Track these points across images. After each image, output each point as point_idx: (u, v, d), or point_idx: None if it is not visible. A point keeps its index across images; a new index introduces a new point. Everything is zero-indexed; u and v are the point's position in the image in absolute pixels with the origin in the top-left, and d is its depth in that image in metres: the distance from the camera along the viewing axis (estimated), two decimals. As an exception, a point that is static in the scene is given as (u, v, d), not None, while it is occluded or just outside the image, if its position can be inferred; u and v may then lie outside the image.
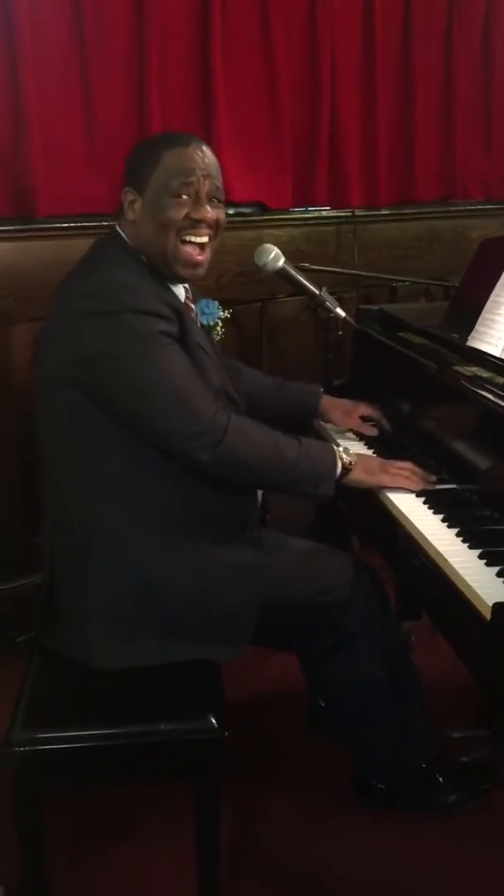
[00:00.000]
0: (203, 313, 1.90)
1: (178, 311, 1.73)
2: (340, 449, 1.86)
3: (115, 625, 1.70)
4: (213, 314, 1.92)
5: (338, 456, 1.83)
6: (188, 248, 1.75)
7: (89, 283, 1.68)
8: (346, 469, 1.82)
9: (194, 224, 1.74)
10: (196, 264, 1.77)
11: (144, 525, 1.72)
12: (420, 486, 1.84)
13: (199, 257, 1.77)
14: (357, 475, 1.84)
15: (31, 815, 1.61)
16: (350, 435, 2.19)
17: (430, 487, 1.84)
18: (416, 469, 1.87)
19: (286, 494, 1.86)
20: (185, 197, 1.72)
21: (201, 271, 1.79)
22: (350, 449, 1.89)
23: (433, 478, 1.87)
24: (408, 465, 1.89)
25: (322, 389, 2.23)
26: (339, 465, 1.82)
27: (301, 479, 1.78)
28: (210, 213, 1.75)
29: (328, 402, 2.19)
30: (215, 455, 1.67)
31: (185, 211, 1.73)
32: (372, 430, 2.16)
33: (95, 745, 1.59)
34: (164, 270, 1.77)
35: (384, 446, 2.10)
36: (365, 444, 2.14)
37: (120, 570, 1.70)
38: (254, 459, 1.73)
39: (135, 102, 2.90)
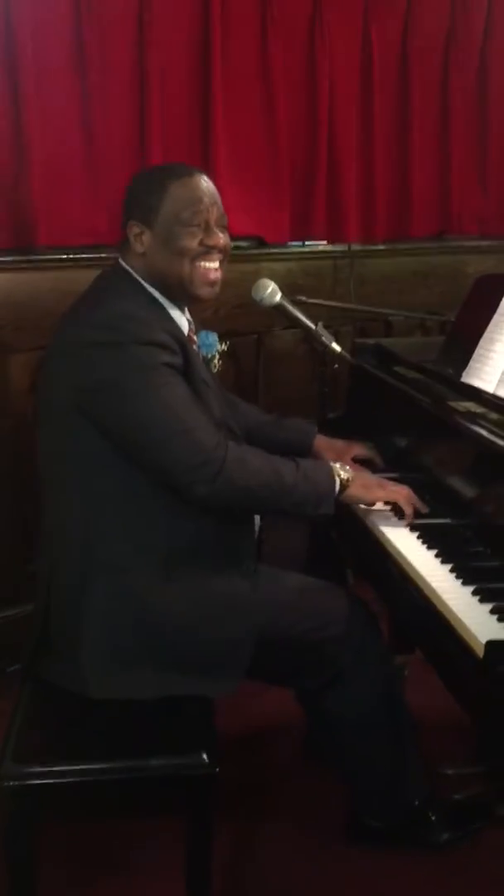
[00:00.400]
0: (203, 344, 1.93)
1: (182, 344, 1.75)
2: (336, 466, 1.87)
3: (112, 654, 1.70)
4: (213, 346, 1.95)
5: (335, 473, 1.84)
6: (204, 267, 1.79)
7: (96, 314, 1.71)
8: (344, 486, 1.84)
9: (208, 250, 1.78)
10: (213, 282, 1.81)
11: (142, 555, 1.72)
12: (412, 507, 1.86)
13: (215, 275, 1.81)
14: (354, 491, 1.85)
15: (20, 849, 1.60)
16: None
17: (422, 510, 1.87)
18: (411, 493, 1.89)
19: (287, 517, 1.87)
20: (195, 226, 1.76)
21: (217, 289, 1.83)
22: (347, 467, 1.89)
23: (426, 507, 1.88)
24: (404, 487, 1.90)
25: (316, 429, 2.22)
26: (338, 482, 1.83)
27: (302, 501, 1.79)
28: (221, 238, 1.80)
29: (321, 442, 2.18)
30: (214, 488, 1.68)
31: (198, 238, 1.77)
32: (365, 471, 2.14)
33: (86, 780, 1.58)
34: (180, 295, 1.81)
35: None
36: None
37: (117, 599, 1.70)
38: (254, 486, 1.74)
39: (135, 136, 2.94)
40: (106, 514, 1.72)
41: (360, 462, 2.15)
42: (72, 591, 1.73)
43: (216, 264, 1.80)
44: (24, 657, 1.82)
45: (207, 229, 1.77)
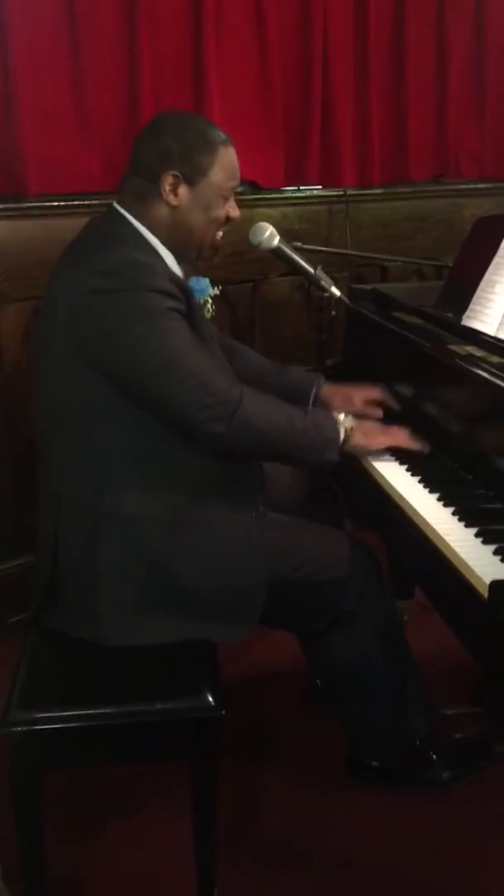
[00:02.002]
0: (195, 290, 1.90)
1: (186, 291, 1.74)
2: (341, 416, 1.90)
3: (126, 602, 1.71)
4: (205, 290, 1.93)
5: (339, 423, 1.88)
6: (220, 237, 1.85)
7: (100, 260, 1.67)
8: (348, 435, 1.87)
9: (226, 223, 1.84)
10: (219, 247, 1.86)
11: (152, 501, 1.72)
12: (418, 447, 1.91)
13: (221, 242, 1.86)
14: (358, 440, 1.90)
15: (28, 795, 1.61)
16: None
17: (426, 450, 1.91)
18: (410, 434, 1.94)
19: (292, 463, 1.92)
20: (230, 199, 1.81)
21: None
22: (350, 416, 1.92)
23: (427, 447, 1.92)
24: (403, 429, 1.95)
25: (322, 378, 2.19)
26: (342, 431, 1.86)
27: (309, 447, 1.82)
28: (239, 213, 1.85)
29: (328, 390, 2.15)
30: (230, 426, 1.69)
31: (227, 210, 1.82)
32: (377, 412, 2.11)
33: (93, 725, 1.59)
34: (189, 254, 1.83)
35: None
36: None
37: (128, 547, 1.70)
38: (267, 430, 1.75)
39: (126, 80, 2.88)
40: (113, 463, 1.71)
41: (374, 404, 2.14)
42: (82, 541, 1.72)
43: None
44: (31, 607, 1.82)
45: (231, 200, 1.82)
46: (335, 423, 1.87)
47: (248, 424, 1.71)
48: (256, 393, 1.78)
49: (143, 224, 1.76)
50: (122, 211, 1.77)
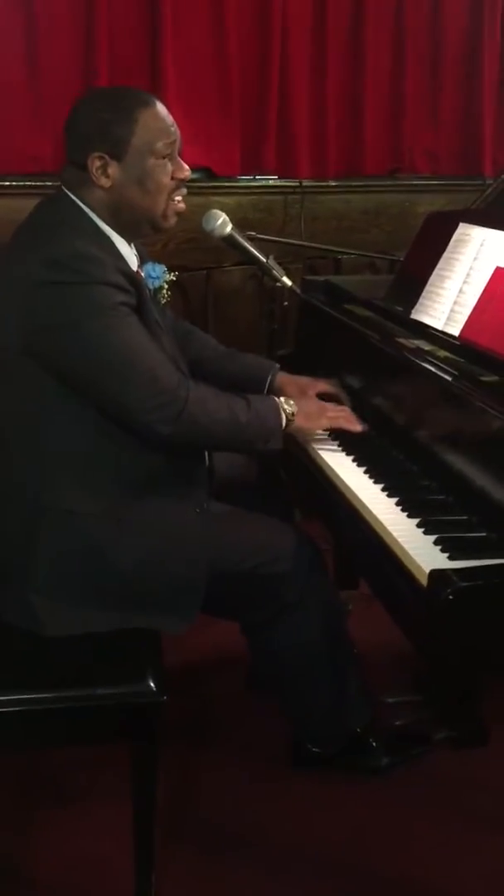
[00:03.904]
0: (149, 277, 1.88)
1: (135, 282, 1.71)
2: (281, 400, 1.90)
3: (64, 595, 1.69)
4: (160, 277, 1.91)
5: (281, 409, 1.87)
6: (176, 202, 1.78)
7: (48, 250, 1.63)
8: (289, 419, 1.88)
9: (180, 184, 1.77)
10: (181, 211, 1.80)
11: (92, 493, 1.71)
12: (358, 428, 1.95)
13: (182, 206, 1.80)
14: (300, 422, 1.90)
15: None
16: None
17: (365, 428, 1.95)
18: (352, 414, 1.97)
19: (238, 452, 1.94)
20: (168, 158, 1.73)
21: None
22: (291, 400, 1.92)
23: (365, 425, 1.96)
24: (344, 408, 1.98)
25: (277, 366, 2.19)
26: (284, 416, 1.87)
27: (253, 438, 1.83)
28: (189, 170, 1.77)
29: (284, 378, 2.15)
30: (176, 427, 1.68)
31: (171, 172, 1.74)
32: None
33: (33, 710, 1.58)
34: (143, 229, 1.78)
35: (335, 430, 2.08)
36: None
37: (68, 541, 1.69)
38: (212, 426, 1.75)
39: (81, 62, 2.85)
40: (55, 458, 1.69)
41: (326, 399, 2.15)
42: (21, 535, 1.71)
43: (182, 195, 1.79)
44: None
45: (175, 160, 1.75)
46: (277, 409, 1.87)
47: (194, 422, 1.71)
48: (201, 387, 1.77)
49: (88, 208, 1.72)
50: (71, 195, 1.73)
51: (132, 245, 1.82)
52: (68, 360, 1.64)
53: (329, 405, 2.00)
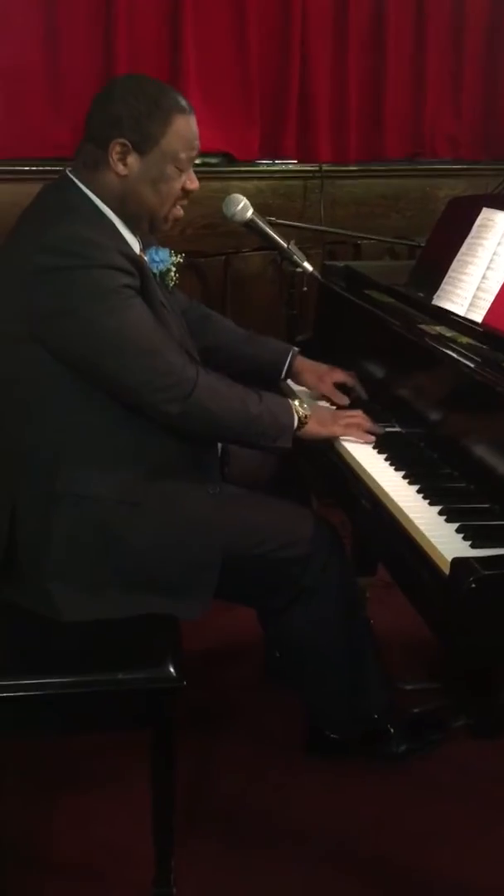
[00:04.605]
0: (153, 261, 1.88)
1: (138, 264, 1.71)
2: (296, 402, 1.88)
3: (80, 579, 1.70)
4: (165, 261, 1.90)
5: (294, 410, 1.85)
6: (177, 210, 1.79)
7: (47, 236, 1.63)
8: (302, 422, 1.85)
9: (186, 195, 1.78)
10: (179, 218, 1.81)
11: (107, 480, 1.71)
12: (370, 438, 1.89)
13: (180, 214, 1.81)
14: (312, 428, 1.88)
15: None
16: (323, 403, 2.14)
17: (379, 432, 1.90)
18: (366, 418, 1.93)
19: (245, 446, 1.90)
20: (185, 171, 1.74)
21: None
22: (305, 403, 1.90)
23: (383, 427, 1.92)
24: (358, 413, 1.94)
25: (297, 350, 2.18)
26: (296, 418, 1.85)
27: (262, 432, 1.81)
28: (198, 184, 1.78)
29: (302, 364, 2.15)
30: (185, 407, 1.68)
31: (184, 182, 1.75)
32: (344, 399, 2.11)
33: (53, 694, 1.59)
34: (142, 225, 1.77)
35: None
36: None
37: (83, 525, 1.70)
38: (221, 413, 1.74)
39: (101, 47, 2.84)
40: (71, 442, 1.69)
41: (340, 388, 2.13)
42: (37, 519, 1.71)
43: (184, 205, 1.81)
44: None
45: (189, 172, 1.76)
46: (290, 410, 1.84)
47: (202, 406, 1.70)
48: (212, 374, 1.77)
49: (94, 192, 1.71)
50: (75, 179, 1.72)
51: (136, 232, 1.81)
52: (73, 344, 1.64)
53: (343, 413, 1.96)
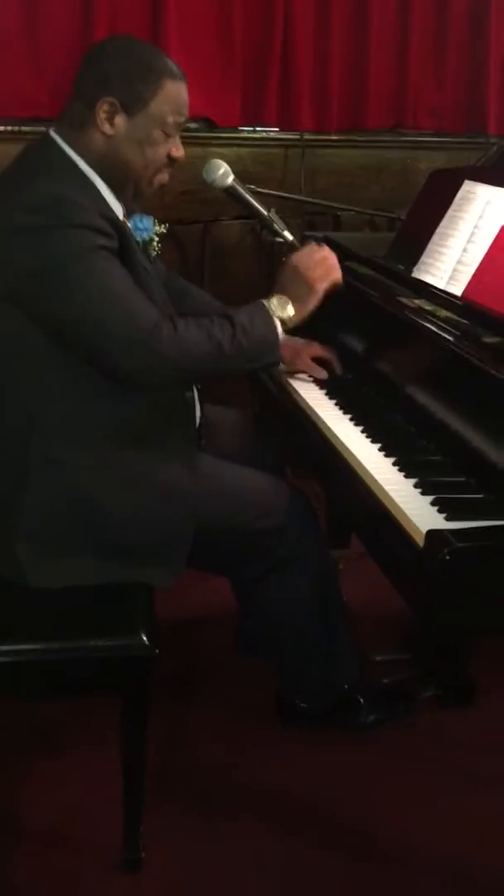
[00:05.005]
0: (137, 229, 1.86)
1: (118, 227, 1.69)
2: (273, 303, 1.80)
3: (49, 544, 1.69)
4: (149, 229, 1.88)
5: (275, 318, 1.79)
6: (162, 177, 1.77)
7: (25, 195, 1.61)
8: (285, 323, 1.80)
9: (171, 163, 1.76)
10: (164, 184, 1.79)
11: (81, 444, 1.70)
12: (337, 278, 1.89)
13: (167, 177, 1.79)
14: (298, 315, 1.83)
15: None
16: (299, 375, 2.13)
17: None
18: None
19: (231, 377, 1.90)
20: (173, 136, 1.72)
21: None
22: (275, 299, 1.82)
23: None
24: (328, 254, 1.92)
25: None
26: (279, 326, 1.79)
27: (246, 361, 1.76)
28: (183, 153, 1.76)
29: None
30: (159, 368, 1.66)
31: (170, 148, 1.73)
32: (322, 373, 2.11)
33: (26, 661, 1.59)
34: (126, 190, 1.75)
35: (333, 388, 2.07)
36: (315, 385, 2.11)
37: (55, 489, 1.69)
38: (194, 363, 1.70)
39: (80, 7, 2.80)
40: (45, 405, 1.68)
41: (317, 362, 2.13)
42: (9, 484, 1.70)
43: (169, 172, 1.78)
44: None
45: (176, 139, 1.74)
46: (270, 322, 1.77)
47: (173, 365, 1.67)
48: (180, 325, 1.69)
49: (77, 153, 1.69)
50: (57, 138, 1.70)
51: (119, 195, 1.78)
52: (47, 304, 1.62)
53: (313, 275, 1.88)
